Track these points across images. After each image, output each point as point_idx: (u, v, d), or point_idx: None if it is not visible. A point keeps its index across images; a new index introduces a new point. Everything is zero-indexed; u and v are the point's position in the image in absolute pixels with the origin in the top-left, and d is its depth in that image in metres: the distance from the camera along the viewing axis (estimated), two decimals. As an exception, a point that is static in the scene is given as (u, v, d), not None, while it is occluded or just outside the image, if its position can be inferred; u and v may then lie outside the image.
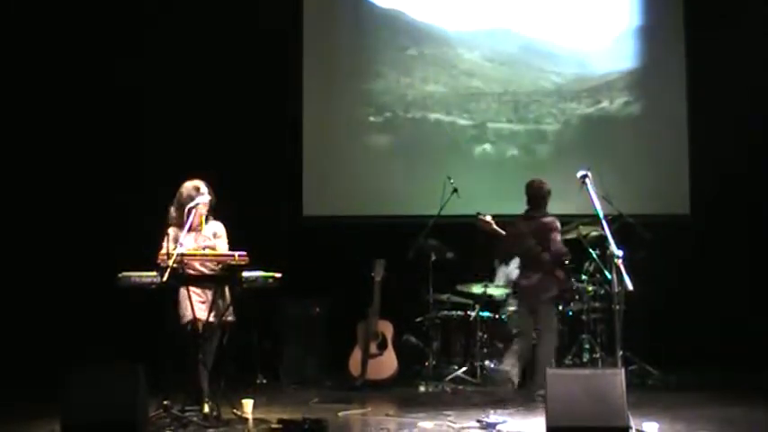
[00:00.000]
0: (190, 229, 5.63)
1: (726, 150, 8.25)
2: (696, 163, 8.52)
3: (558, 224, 6.65)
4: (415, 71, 8.75)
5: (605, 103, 8.69)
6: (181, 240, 5.50)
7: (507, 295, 7.61)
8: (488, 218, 6.81)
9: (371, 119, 8.73)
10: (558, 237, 6.61)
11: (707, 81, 8.48)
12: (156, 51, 8.28)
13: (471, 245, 7.42)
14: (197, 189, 5.76)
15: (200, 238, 5.81)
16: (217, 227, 5.90)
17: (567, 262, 6.69)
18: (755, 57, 8.36)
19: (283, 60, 8.58)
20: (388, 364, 7.32)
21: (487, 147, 8.68)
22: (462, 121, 8.69)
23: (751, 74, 8.31)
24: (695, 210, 8.49)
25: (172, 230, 5.70)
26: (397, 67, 8.75)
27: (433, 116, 8.69)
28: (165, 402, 5.44)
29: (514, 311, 7.38)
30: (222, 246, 5.84)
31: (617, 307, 5.28)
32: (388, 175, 8.59)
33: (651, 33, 8.75)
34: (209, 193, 5.78)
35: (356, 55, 8.78)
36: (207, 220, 5.85)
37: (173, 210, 5.80)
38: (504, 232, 6.78)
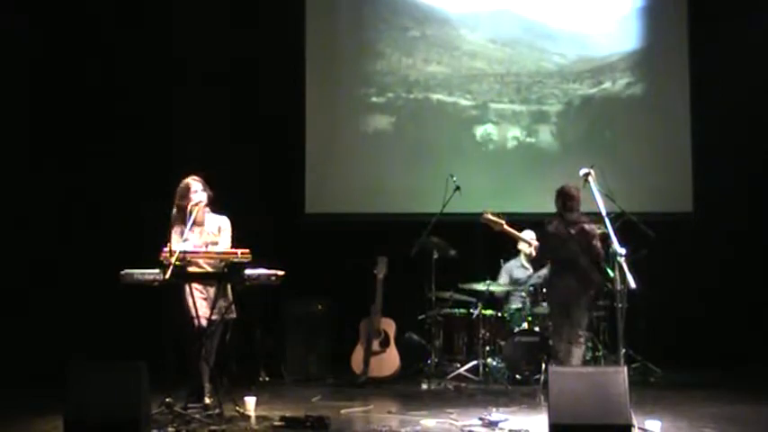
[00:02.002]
0: (194, 225, 5.94)
1: (728, 144, 8.53)
2: (698, 156, 8.76)
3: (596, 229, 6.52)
4: (417, 52, 9.06)
5: (607, 84, 9.02)
6: (185, 236, 5.84)
7: (509, 293, 7.93)
8: (490, 215, 6.99)
9: (373, 99, 9.06)
10: (598, 243, 6.51)
11: (709, 63, 8.73)
12: (156, 46, 8.53)
13: (474, 243, 7.74)
14: (188, 189, 6.05)
15: (204, 233, 6.09)
16: (222, 221, 6.16)
17: (601, 264, 6.68)
18: (759, 41, 8.60)
19: (284, 46, 8.84)
20: (390, 361, 7.63)
21: (489, 127, 9.00)
22: (464, 102, 9.00)
23: (754, 58, 8.58)
24: (698, 207, 8.74)
25: (177, 227, 6.02)
26: (400, 48, 9.05)
27: (435, 97, 9.00)
28: (168, 399, 5.72)
29: (517, 309, 7.71)
30: (225, 240, 6.09)
31: (620, 305, 5.53)
32: (390, 168, 8.90)
33: (653, 14, 9.06)
34: (203, 190, 6.07)
35: (358, 35, 9.08)
36: (211, 212, 6.14)
37: (174, 211, 6.10)
38: (515, 231, 7.01)
